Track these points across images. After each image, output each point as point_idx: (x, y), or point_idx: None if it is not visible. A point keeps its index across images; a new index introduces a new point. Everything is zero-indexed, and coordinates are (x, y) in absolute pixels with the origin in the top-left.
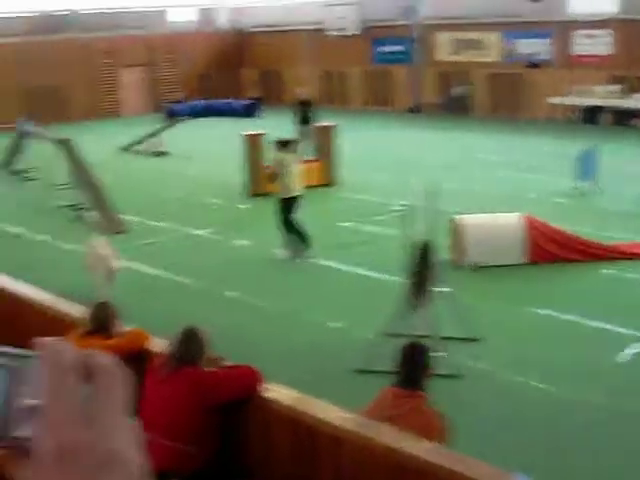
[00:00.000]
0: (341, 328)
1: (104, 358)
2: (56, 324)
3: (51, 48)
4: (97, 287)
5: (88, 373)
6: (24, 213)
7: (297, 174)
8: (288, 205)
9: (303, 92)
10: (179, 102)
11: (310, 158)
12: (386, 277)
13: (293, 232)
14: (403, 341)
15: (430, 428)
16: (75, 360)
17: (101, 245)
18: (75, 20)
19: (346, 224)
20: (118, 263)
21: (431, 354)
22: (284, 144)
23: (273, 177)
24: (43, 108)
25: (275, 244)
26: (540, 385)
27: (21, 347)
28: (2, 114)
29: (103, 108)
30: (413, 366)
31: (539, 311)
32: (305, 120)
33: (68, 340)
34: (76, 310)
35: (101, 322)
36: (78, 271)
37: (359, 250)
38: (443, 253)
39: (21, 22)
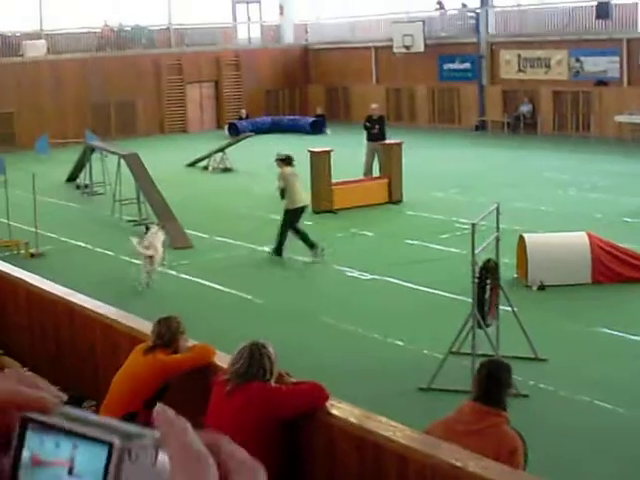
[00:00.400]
0: (405, 346)
1: (240, 452)
2: (120, 338)
3: (120, 63)
4: (144, 270)
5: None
6: (89, 227)
7: (300, 186)
8: (294, 216)
9: (376, 108)
10: (244, 119)
11: (377, 175)
12: (451, 295)
13: (300, 239)
14: (467, 360)
15: (512, 450)
16: (205, 445)
17: (155, 235)
18: (144, 36)
19: (412, 242)
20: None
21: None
22: (284, 160)
23: (282, 192)
24: (111, 123)
25: (338, 261)
26: (606, 405)
27: (83, 361)
28: (70, 128)
29: (170, 124)
30: (495, 383)
31: (604, 330)
32: (376, 136)
33: (133, 354)
34: (139, 324)
35: (165, 336)
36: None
37: (424, 268)
38: (508, 272)
39: (90, 37)
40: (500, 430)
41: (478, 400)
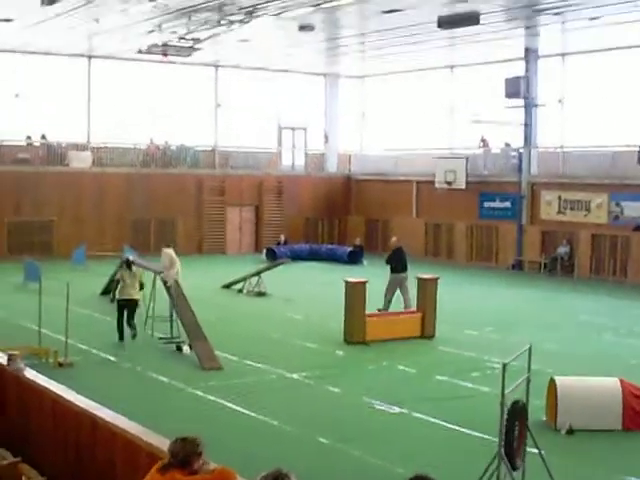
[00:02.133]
0: None
1: None
2: (140, 454)
3: (163, 181)
4: (166, 281)
5: None
6: (121, 342)
7: (132, 285)
8: (122, 305)
9: (394, 241)
10: (283, 244)
11: (411, 309)
12: (478, 434)
13: (129, 325)
14: None
15: None
16: None
17: (171, 254)
18: (188, 155)
19: (442, 378)
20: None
21: None
22: (127, 263)
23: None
24: (150, 239)
25: (368, 392)
26: None
27: (102, 474)
28: (109, 241)
29: (208, 244)
30: None
31: (631, 479)
32: (398, 268)
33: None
34: (160, 441)
35: (179, 456)
36: (167, 402)
37: (453, 405)
38: (538, 414)
39: (136, 153)
40: None
41: None
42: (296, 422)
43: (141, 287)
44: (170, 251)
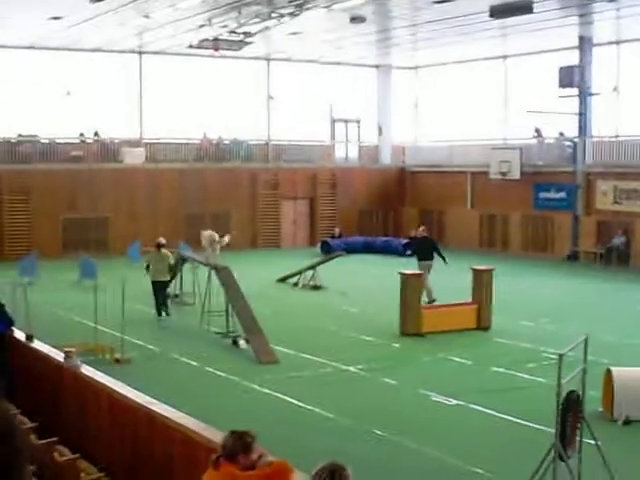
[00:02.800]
0: (484, 474)
1: None
2: (198, 449)
3: (216, 175)
4: (208, 258)
5: None
6: (176, 336)
7: (160, 268)
8: (155, 286)
9: (420, 231)
10: (337, 237)
11: (467, 301)
12: (534, 425)
13: (163, 304)
14: None
15: None
16: None
17: (211, 234)
18: (242, 149)
19: (498, 369)
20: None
21: None
22: (158, 245)
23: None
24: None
25: (424, 384)
26: None
27: (160, 470)
28: (164, 237)
29: (263, 238)
30: None
31: None
32: (424, 256)
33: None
34: (218, 436)
35: (227, 448)
36: (223, 397)
37: (509, 396)
38: (594, 404)
39: (189, 148)
40: None
41: None
42: (352, 415)
43: (170, 269)
44: (208, 233)
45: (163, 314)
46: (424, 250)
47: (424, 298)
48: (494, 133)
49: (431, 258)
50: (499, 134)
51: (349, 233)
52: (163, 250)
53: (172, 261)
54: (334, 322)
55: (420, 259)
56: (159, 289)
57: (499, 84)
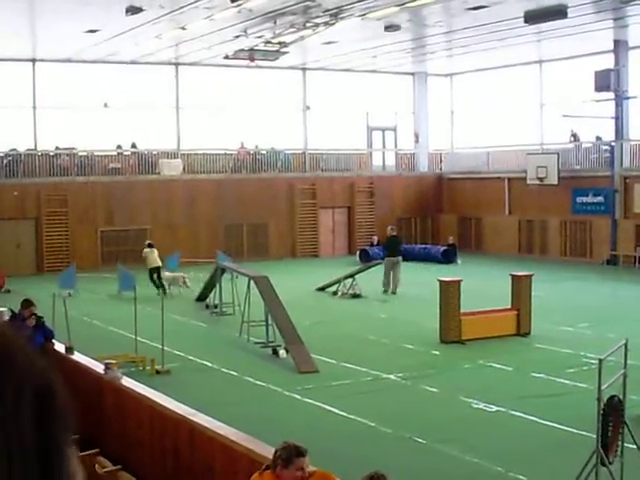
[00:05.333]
0: None
1: None
2: (239, 459)
3: (254, 186)
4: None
5: None
6: (216, 346)
7: (154, 258)
8: (152, 271)
9: (389, 230)
10: (376, 245)
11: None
12: (575, 431)
13: (160, 285)
14: None
15: None
16: None
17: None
18: (279, 159)
19: (538, 375)
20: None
21: None
22: (149, 245)
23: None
24: (243, 244)
25: (465, 392)
26: None
27: None
28: (202, 247)
29: (301, 247)
30: None
31: None
32: (394, 253)
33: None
34: (259, 446)
35: (281, 459)
36: (264, 407)
37: (549, 402)
38: (635, 409)
39: (226, 159)
40: None
41: None
42: (393, 423)
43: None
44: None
45: (160, 291)
46: (393, 248)
47: (391, 288)
48: (530, 138)
49: (399, 255)
50: (536, 139)
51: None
52: (154, 247)
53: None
54: (374, 330)
55: (389, 255)
56: (156, 272)
57: (535, 89)
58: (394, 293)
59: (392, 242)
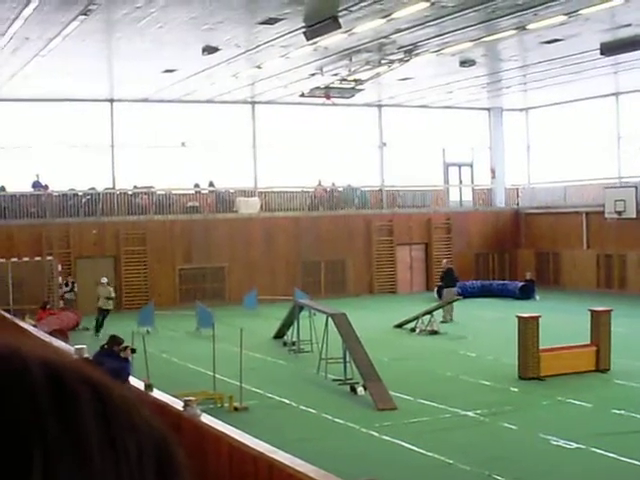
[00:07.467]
0: None
1: None
2: None
3: (331, 223)
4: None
5: None
6: (294, 384)
7: (103, 298)
8: (100, 311)
9: (444, 263)
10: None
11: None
12: None
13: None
14: None
15: None
16: None
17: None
18: (356, 196)
19: (619, 411)
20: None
21: None
22: (103, 283)
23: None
24: (320, 281)
25: (543, 428)
26: None
27: None
28: (280, 285)
29: (379, 284)
30: None
31: None
32: (453, 284)
33: None
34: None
35: None
36: (343, 444)
37: (631, 439)
38: None
39: (304, 197)
40: None
41: None
42: (472, 460)
43: (110, 299)
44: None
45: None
46: (452, 279)
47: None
48: (608, 172)
49: (456, 286)
50: (614, 172)
51: (465, 277)
52: (107, 286)
53: (113, 294)
54: (452, 367)
55: (447, 286)
56: (104, 313)
57: (611, 121)
58: (452, 320)
59: (450, 274)
